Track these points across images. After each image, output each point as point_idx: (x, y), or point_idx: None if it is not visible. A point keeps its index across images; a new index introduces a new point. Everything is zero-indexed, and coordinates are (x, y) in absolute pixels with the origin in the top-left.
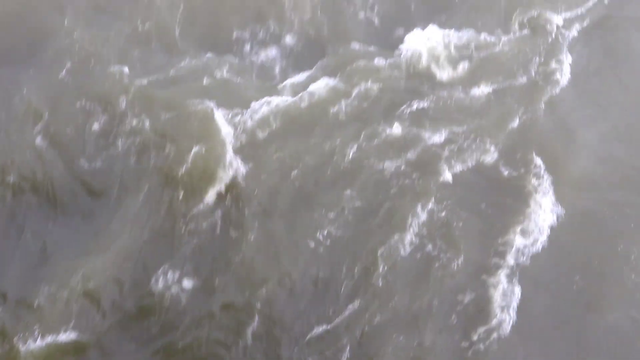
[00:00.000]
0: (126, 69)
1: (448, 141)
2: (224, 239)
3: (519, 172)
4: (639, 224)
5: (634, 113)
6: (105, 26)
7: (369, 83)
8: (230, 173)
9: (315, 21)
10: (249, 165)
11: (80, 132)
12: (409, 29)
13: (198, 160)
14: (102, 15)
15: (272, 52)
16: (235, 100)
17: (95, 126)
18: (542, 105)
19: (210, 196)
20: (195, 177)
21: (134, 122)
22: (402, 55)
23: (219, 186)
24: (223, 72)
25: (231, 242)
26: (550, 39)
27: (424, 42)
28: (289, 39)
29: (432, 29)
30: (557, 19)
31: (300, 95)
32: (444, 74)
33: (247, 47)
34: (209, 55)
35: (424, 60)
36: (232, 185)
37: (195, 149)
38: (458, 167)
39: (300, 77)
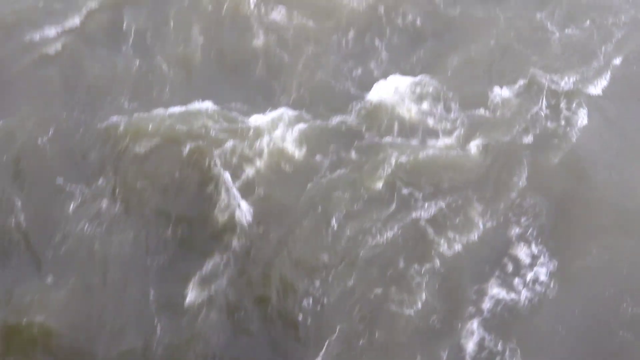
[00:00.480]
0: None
1: (438, 199)
2: (205, 321)
3: (503, 222)
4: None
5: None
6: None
7: (348, 143)
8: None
9: (302, 95)
10: (236, 242)
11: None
12: None
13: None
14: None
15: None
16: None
17: (73, 191)
18: (537, 164)
19: (190, 280)
20: (170, 266)
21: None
22: (375, 108)
23: (199, 272)
24: (210, 132)
25: (213, 325)
26: (553, 97)
27: (401, 92)
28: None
29: (408, 79)
30: (561, 77)
31: (282, 159)
32: (436, 129)
33: (235, 113)
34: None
35: (407, 114)
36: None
37: (175, 230)
38: (444, 220)
39: (283, 138)
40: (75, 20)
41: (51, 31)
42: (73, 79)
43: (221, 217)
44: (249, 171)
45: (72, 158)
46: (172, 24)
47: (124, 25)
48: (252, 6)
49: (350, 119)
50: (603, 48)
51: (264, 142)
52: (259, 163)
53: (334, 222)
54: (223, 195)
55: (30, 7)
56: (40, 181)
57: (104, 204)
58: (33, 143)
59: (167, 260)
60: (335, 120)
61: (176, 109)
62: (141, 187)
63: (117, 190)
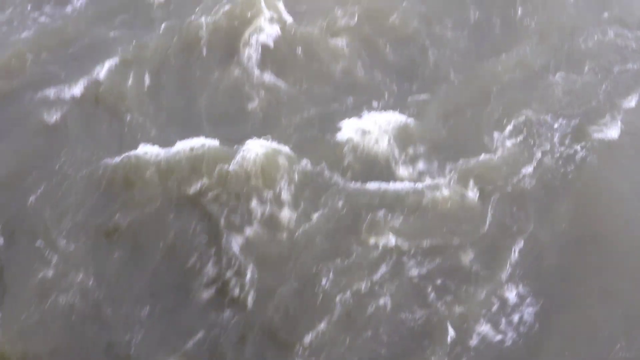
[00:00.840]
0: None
1: (434, 250)
2: None
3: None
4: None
5: None
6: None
7: (340, 194)
8: None
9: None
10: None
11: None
12: None
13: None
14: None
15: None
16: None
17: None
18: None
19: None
20: None
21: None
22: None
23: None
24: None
25: None
26: (554, 140)
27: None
28: None
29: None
30: (563, 121)
31: (274, 222)
32: (433, 177)
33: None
34: None
35: (402, 162)
36: None
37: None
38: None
39: (277, 198)
40: (73, 85)
41: (49, 93)
42: (65, 142)
43: (206, 291)
44: (237, 238)
45: (53, 219)
46: (164, 87)
47: (119, 87)
48: (244, 70)
49: (342, 168)
50: (607, 93)
51: (255, 205)
52: (249, 229)
53: (324, 282)
54: (209, 266)
55: (28, 71)
56: (22, 242)
57: (81, 274)
58: (21, 201)
59: (147, 336)
60: (326, 171)
61: (162, 163)
62: (119, 256)
63: (94, 260)
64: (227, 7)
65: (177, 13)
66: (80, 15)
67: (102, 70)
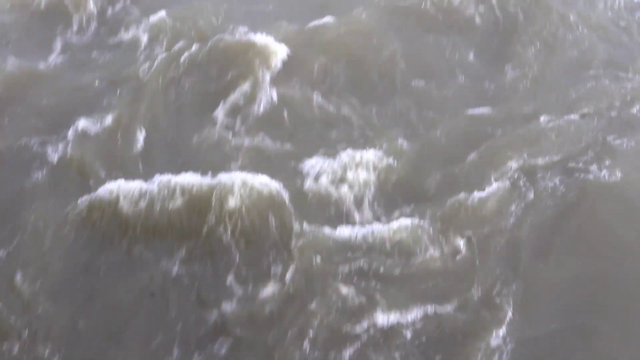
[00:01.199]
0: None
1: (413, 309)
2: None
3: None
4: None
5: None
6: None
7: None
8: None
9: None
10: None
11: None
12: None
13: None
14: None
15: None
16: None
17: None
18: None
19: None
20: None
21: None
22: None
23: None
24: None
25: None
26: (546, 182)
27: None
28: None
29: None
30: (556, 164)
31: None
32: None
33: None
34: None
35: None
36: None
37: None
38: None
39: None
40: (48, 138)
41: (24, 146)
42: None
43: None
44: (210, 311)
45: (21, 280)
46: (143, 144)
47: (93, 143)
48: (226, 126)
49: (323, 219)
50: (602, 136)
51: (232, 277)
52: (225, 302)
53: (304, 346)
54: (175, 344)
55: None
56: None
57: (48, 348)
58: None
59: None
60: (308, 223)
61: (139, 222)
62: (84, 326)
63: (59, 333)
64: (209, 59)
65: (159, 67)
66: (58, 68)
67: (77, 126)
